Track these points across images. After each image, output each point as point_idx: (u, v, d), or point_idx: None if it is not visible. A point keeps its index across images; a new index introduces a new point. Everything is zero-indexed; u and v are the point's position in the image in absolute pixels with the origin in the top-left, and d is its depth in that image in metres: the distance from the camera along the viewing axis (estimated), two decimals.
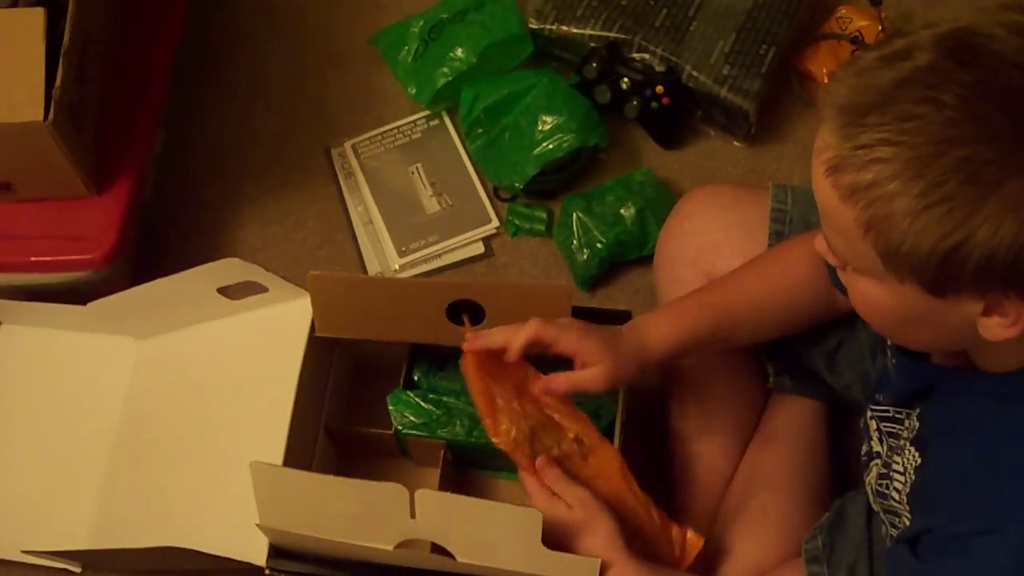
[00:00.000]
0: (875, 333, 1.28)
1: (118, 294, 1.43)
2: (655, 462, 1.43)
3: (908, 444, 1.10)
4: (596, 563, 1.17)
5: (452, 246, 1.67)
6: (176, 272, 1.38)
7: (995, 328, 0.91)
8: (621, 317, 1.32)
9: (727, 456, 1.41)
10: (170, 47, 1.65)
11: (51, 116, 1.36)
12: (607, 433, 1.30)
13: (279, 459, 1.31)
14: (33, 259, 1.49)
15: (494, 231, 1.68)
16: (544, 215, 1.67)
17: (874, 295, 0.96)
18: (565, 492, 1.21)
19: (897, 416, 1.14)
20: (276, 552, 1.28)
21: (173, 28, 1.67)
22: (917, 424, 1.10)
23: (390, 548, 1.20)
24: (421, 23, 1.74)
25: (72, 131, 1.41)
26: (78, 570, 1.47)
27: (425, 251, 1.67)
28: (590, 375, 1.21)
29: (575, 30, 1.71)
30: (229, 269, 1.36)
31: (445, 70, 1.71)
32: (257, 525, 1.23)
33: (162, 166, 1.71)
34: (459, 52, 1.70)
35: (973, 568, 0.98)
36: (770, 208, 1.35)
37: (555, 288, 1.26)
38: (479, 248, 1.68)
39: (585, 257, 1.60)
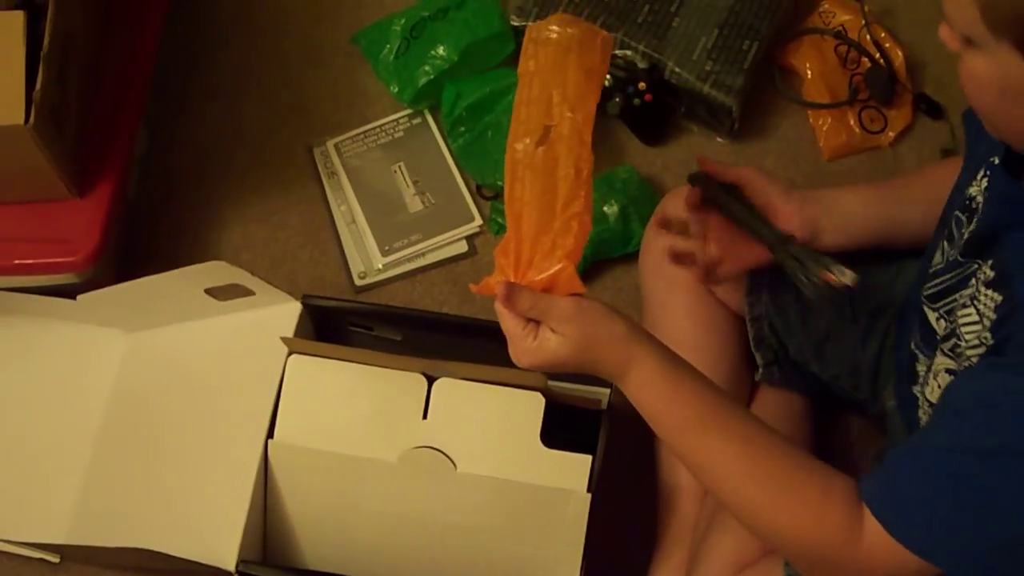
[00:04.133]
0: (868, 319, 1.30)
1: (108, 288, 1.43)
2: (643, 451, 1.44)
3: (983, 288, 1.07)
4: (587, 460, 1.25)
5: (435, 245, 1.67)
6: (159, 273, 1.38)
7: None
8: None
9: None
10: (152, 47, 1.65)
11: (32, 119, 1.35)
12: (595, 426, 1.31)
13: (256, 464, 1.32)
14: (16, 262, 1.48)
15: (477, 229, 1.68)
16: None
17: (979, 68, 0.96)
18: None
19: (960, 277, 1.12)
20: (245, 559, 1.29)
21: (154, 28, 1.66)
22: (991, 273, 1.07)
23: (394, 460, 1.27)
24: (403, 21, 1.73)
25: (53, 133, 1.41)
26: (55, 560, 1.48)
27: (408, 250, 1.67)
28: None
29: None
30: (217, 271, 1.36)
31: (427, 68, 1.70)
32: (269, 441, 1.31)
33: (145, 167, 1.71)
34: (441, 50, 1.70)
35: None
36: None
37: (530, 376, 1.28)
38: (463, 247, 1.67)
39: None
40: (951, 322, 1.12)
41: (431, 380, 1.29)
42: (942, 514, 0.95)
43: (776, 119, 1.74)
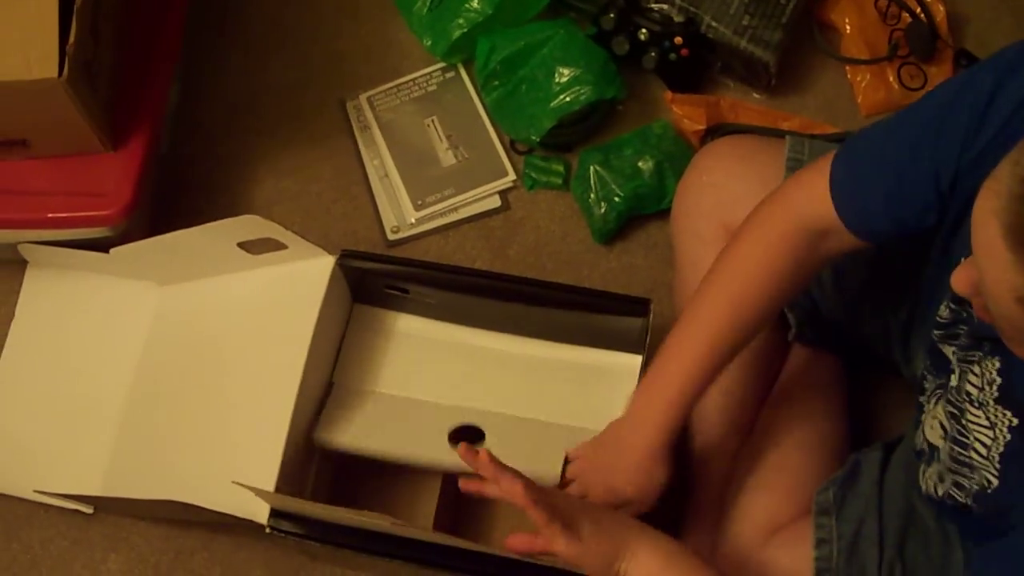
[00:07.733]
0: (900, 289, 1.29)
1: (141, 242, 1.44)
2: None
3: (992, 403, 1.05)
4: None
5: (468, 199, 1.67)
6: (192, 227, 1.38)
7: None
8: (638, 306, 1.33)
9: (746, 410, 1.41)
10: (183, 1, 1.64)
11: (66, 73, 1.35)
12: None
13: (287, 418, 1.32)
14: (50, 215, 1.48)
15: (511, 184, 1.67)
16: (561, 168, 1.66)
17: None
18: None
19: (971, 342, 1.09)
20: (277, 512, 1.29)
21: None
22: (998, 379, 1.04)
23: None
24: None
25: (87, 87, 1.41)
26: (89, 511, 1.50)
27: (441, 204, 1.66)
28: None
29: None
30: (249, 225, 1.36)
31: (461, 21, 1.69)
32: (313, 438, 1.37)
33: (177, 120, 1.71)
34: (475, 3, 1.68)
35: None
36: (786, 158, 1.34)
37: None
38: (495, 202, 1.67)
39: (602, 211, 1.60)
40: (959, 401, 1.10)
41: None
42: None
43: (814, 75, 1.72)
